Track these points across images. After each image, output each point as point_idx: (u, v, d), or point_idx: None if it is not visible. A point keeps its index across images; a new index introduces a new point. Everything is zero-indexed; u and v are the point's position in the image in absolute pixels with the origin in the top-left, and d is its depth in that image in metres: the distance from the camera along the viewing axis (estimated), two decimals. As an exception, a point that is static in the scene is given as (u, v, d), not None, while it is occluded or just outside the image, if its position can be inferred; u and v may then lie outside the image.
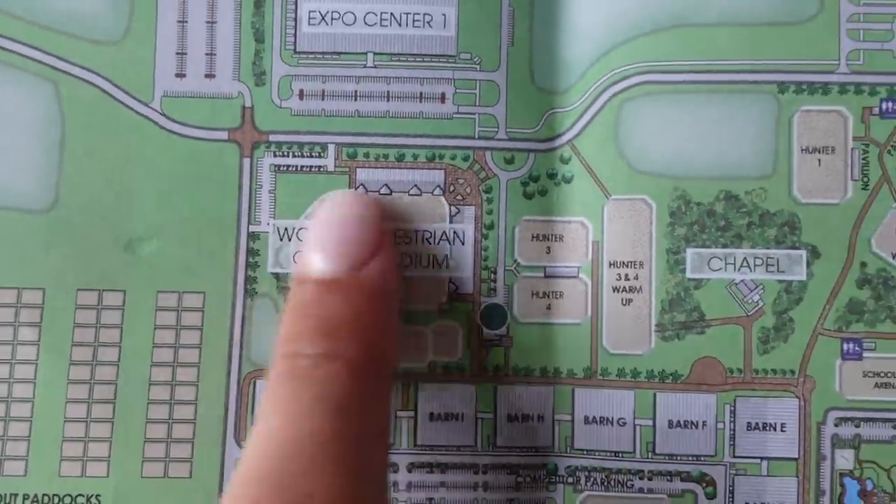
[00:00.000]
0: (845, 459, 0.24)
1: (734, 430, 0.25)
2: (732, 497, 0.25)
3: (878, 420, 0.24)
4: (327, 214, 0.23)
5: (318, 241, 0.23)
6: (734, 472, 0.25)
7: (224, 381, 0.25)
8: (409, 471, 0.25)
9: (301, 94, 0.25)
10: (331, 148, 0.25)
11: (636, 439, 0.25)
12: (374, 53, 0.26)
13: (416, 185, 0.25)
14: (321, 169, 0.25)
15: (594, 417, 0.25)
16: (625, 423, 0.25)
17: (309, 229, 0.23)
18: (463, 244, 0.25)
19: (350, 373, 0.21)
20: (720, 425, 0.25)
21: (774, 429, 0.25)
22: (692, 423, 0.25)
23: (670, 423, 0.25)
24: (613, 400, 0.25)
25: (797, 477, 0.24)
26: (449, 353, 0.25)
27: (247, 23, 0.26)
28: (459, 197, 0.26)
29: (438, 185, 0.25)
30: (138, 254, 0.25)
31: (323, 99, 0.25)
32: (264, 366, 0.25)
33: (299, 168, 0.25)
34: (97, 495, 0.25)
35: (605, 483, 0.25)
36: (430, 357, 0.25)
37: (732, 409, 0.25)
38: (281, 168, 0.25)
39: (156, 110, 0.25)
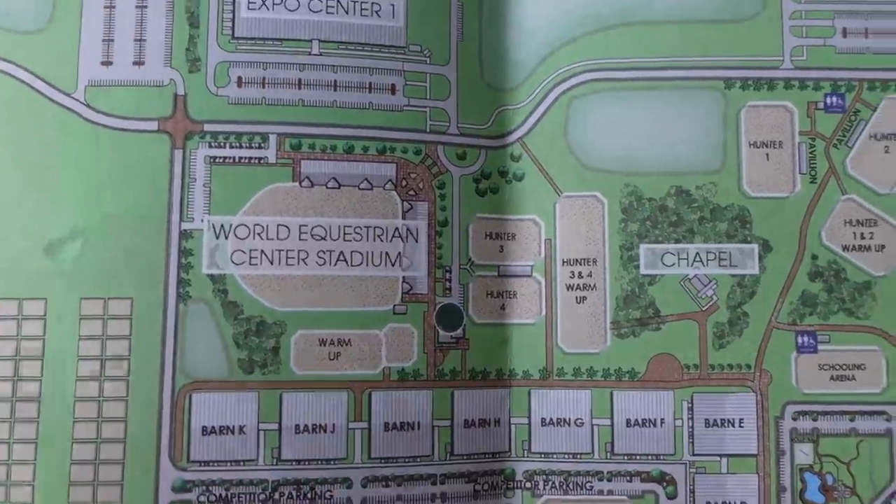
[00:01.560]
0: (804, 454, 0.24)
1: (692, 427, 0.24)
2: (693, 496, 0.24)
3: (836, 413, 0.24)
4: None
5: None
6: (694, 470, 0.24)
7: (156, 396, 0.22)
8: (364, 486, 0.23)
9: (239, 82, 0.24)
10: (272, 138, 0.24)
11: (594, 440, 0.24)
12: (320, 41, 0.24)
13: (366, 179, 0.24)
14: (262, 161, 0.24)
15: (551, 419, 0.24)
16: (582, 424, 0.24)
17: None
18: (416, 241, 0.24)
19: None
20: (678, 423, 0.24)
21: (733, 424, 0.24)
22: (650, 421, 0.24)
23: (628, 422, 0.24)
24: (570, 400, 0.24)
25: (757, 473, 0.24)
26: (403, 357, 0.24)
27: (180, 7, 0.24)
28: (412, 192, 0.24)
29: (390, 179, 0.24)
30: (60, 257, 0.23)
31: (263, 87, 0.24)
32: (200, 377, 0.23)
33: (237, 160, 0.24)
34: None
35: (564, 486, 0.24)
36: (383, 363, 0.24)
37: (690, 405, 0.24)
38: (217, 160, 0.23)
39: (79, 101, 0.23)
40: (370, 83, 0.24)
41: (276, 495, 0.23)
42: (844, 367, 0.24)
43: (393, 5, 0.24)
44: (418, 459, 0.23)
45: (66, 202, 0.23)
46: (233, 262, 0.23)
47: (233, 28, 0.24)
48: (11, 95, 0.23)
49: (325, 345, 0.23)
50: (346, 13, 0.24)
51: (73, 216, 0.23)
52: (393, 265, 0.24)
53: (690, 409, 0.24)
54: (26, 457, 0.22)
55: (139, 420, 0.22)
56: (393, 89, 0.24)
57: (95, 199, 0.23)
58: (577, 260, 0.25)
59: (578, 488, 0.24)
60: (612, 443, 0.24)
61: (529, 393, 0.24)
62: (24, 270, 0.23)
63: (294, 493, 0.23)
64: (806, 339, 0.24)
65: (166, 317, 0.23)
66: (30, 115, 0.23)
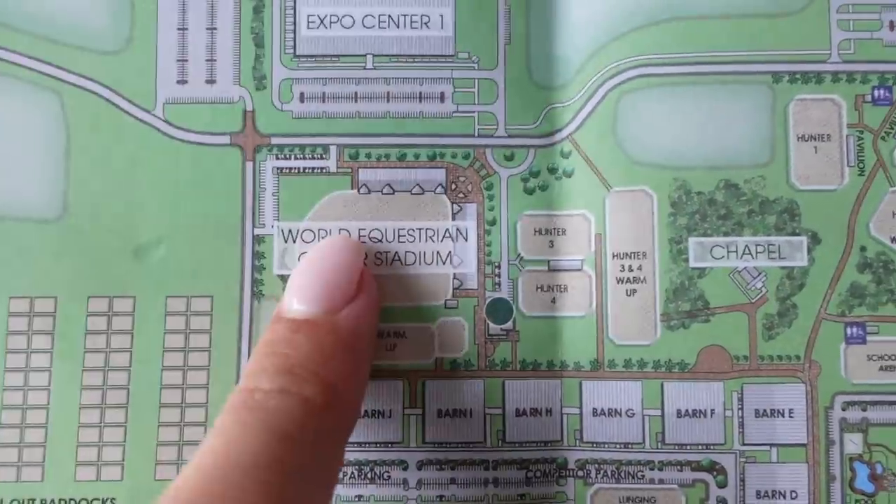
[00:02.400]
0: (854, 444, 0.24)
1: (742, 417, 0.25)
2: (743, 485, 0.25)
3: (885, 403, 0.24)
4: (311, 258, 0.23)
5: (297, 282, 0.23)
6: (744, 459, 0.25)
7: (233, 383, 0.25)
8: (419, 468, 0.25)
9: (301, 97, 0.26)
10: (332, 149, 0.26)
11: (645, 430, 0.25)
12: (373, 55, 0.26)
13: (418, 185, 0.26)
14: (323, 170, 0.26)
15: (602, 409, 0.25)
16: (633, 414, 0.25)
17: (293, 273, 0.23)
18: (466, 240, 0.26)
19: (303, 409, 0.20)
20: (728, 413, 0.25)
21: (782, 415, 0.25)
22: (700, 411, 0.25)
23: (679, 413, 0.25)
24: (621, 391, 0.25)
25: (807, 463, 0.24)
26: (455, 348, 0.25)
27: (246, 28, 0.26)
28: (461, 195, 0.26)
29: (440, 184, 0.26)
30: (146, 260, 0.25)
31: (324, 101, 0.26)
32: (273, 367, 0.25)
33: (301, 170, 0.26)
34: (112, 499, 0.25)
35: (616, 475, 0.25)
36: (435, 353, 0.25)
37: (740, 396, 0.25)
38: (283, 170, 0.26)
39: (158, 117, 0.26)
40: (420, 92, 0.26)
41: (341, 474, 0.25)
42: (893, 357, 0.24)
43: (442, 16, 0.26)
44: (471, 445, 0.25)
45: (152, 210, 0.25)
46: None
47: (294, 47, 0.26)
48: (95, 112, 0.26)
49: (382, 337, 0.25)
50: (398, 27, 0.26)
51: (158, 223, 0.25)
52: (444, 263, 0.25)
53: (740, 400, 0.25)
54: (116, 439, 0.25)
55: (218, 405, 0.25)
56: (442, 97, 0.26)
57: (177, 208, 0.25)
58: (626, 253, 0.26)
59: (630, 477, 0.25)
60: (663, 433, 0.25)
61: (581, 384, 0.26)
62: (114, 271, 0.25)
63: (356, 472, 0.25)
64: (855, 330, 0.24)
65: (242, 312, 0.25)
66: (114, 131, 0.26)
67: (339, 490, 0.25)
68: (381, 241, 0.25)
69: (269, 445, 0.19)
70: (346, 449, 0.25)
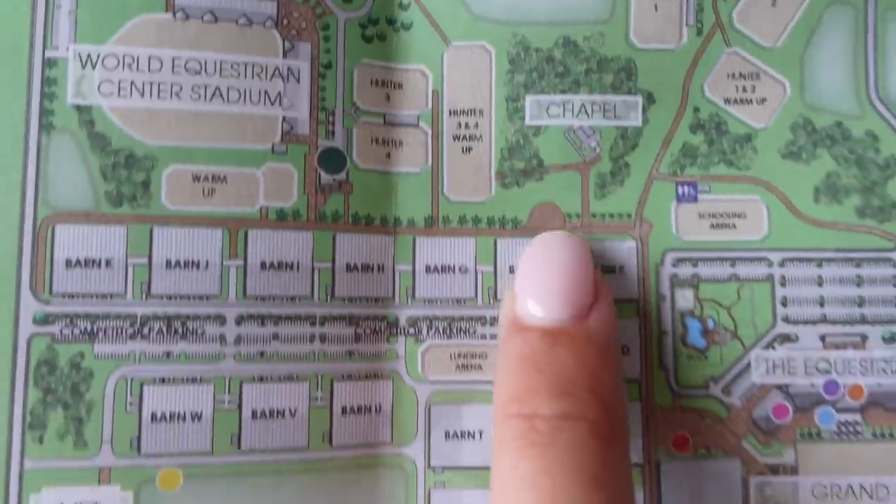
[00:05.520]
0: (685, 299, 0.25)
1: (575, 274, 0.24)
2: (574, 342, 0.24)
3: (715, 259, 0.25)
4: (544, 257, 0.22)
5: (537, 286, 0.21)
6: (575, 316, 0.24)
7: (17, 227, 0.21)
8: (238, 323, 0.22)
9: None
10: (144, -36, 0.23)
11: (478, 286, 0.24)
12: None
13: (245, 15, 0.23)
14: (131, -14, 0.22)
15: (436, 266, 0.24)
16: (466, 271, 0.24)
17: (523, 271, 0.22)
18: (298, 82, 0.23)
19: (594, 436, 0.19)
20: (561, 270, 0.24)
21: (613, 271, 0.25)
22: (533, 269, 0.24)
23: (511, 269, 0.24)
24: (455, 247, 0.24)
25: (638, 318, 0.24)
26: (282, 197, 0.23)
27: None
28: (294, 31, 0.23)
29: (270, 17, 0.23)
30: None
31: None
32: (64, 209, 0.22)
33: (106, -15, 0.22)
34: None
35: (448, 332, 0.24)
36: (261, 202, 0.23)
37: (573, 253, 0.24)
38: (84, -16, 0.22)
39: None
40: (249, -89, 0.23)
41: (146, 329, 0.22)
42: (724, 215, 0.25)
43: None
44: (297, 300, 0.23)
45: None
46: (100, 92, 0.22)
47: None
48: None
49: (198, 181, 0.22)
50: None
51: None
52: (272, 104, 0.23)
53: (573, 257, 0.24)
54: None
55: (-1, 251, 0.21)
56: (273, -80, 0.23)
57: (-52, 20, 0.21)
58: (463, 111, 0.25)
59: (462, 333, 0.24)
60: (496, 288, 0.24)
61: (414, 240, 0.24)
62: None
63: (164, 327, 0.22)
64: (686, 189, 0.25)
65: (28, 147, 0.22)
66: None
67: (144, 346, 0.22)
68: (199, 73, 0.23)
69: (585, 492, 0.18)
70: (151, 303, 0.22)
